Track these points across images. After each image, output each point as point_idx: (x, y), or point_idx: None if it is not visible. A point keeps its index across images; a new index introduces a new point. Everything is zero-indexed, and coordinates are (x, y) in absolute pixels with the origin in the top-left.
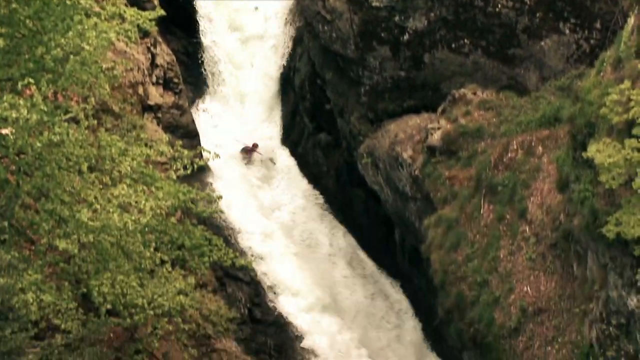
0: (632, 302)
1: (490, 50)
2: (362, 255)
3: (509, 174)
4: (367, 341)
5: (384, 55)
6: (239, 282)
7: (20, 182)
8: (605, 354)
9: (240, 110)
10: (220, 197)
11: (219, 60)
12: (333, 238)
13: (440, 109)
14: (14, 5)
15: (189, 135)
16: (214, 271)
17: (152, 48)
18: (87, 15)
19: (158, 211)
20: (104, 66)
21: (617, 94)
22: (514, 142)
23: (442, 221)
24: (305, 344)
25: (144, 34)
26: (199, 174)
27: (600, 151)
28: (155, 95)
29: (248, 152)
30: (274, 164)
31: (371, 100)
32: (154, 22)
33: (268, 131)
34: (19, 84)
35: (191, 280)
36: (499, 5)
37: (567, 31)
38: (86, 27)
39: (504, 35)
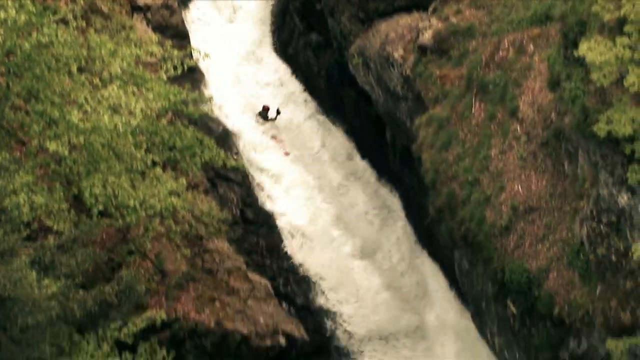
0: (622, 199)
1: None
2: (354, 155)
3: (500, 73)
4: (359, 240)
5: None
6: (230, 183)
7: (10, 84)
8: (596, 251)
9: (230, 13)
10: (211, 98)
11: None
12: (324, 138)
13: (431, 8)
14: None
15: (179, 36)
16: (205, 172)
17: None
18: None
19: (149, 112)
20: None
21: None
22: (505, 40)
23: (433, 120)
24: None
25: None
26: (189, 74)
27: (591, 49)
28: None
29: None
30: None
31: None
32: None
33: (258, 34)
34: None
35: (182, 181)
36: None
37: None
38: None
39: None
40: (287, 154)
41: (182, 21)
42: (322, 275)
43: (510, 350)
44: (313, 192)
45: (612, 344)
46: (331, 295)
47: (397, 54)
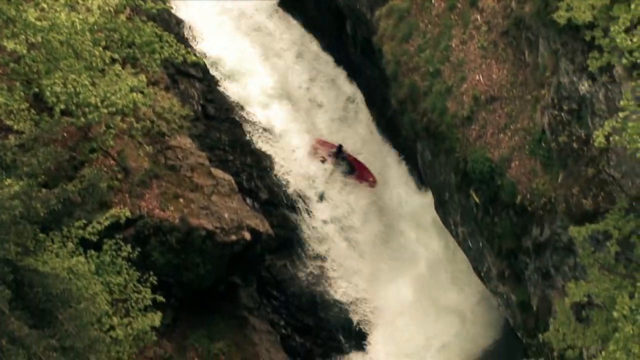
0: (583, 87)
1: None
2: (314, 48)
3: None
4: (319, 130)
5: None
6: (191, 79)
7: None
8: (557, 139)
9: None
10: None
11: None
12: (283, 30)
13: None
14: None
15: None
16: (165, 69)
17: None
18: None
19: (106, 9)
20: None
21: None
22: None
23: (393, 12)
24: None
25: None
26: None
27: None
28: None
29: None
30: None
31: None
32: None
33: None
34: None
35: (143, 77)
36: None
37: None
38: None
39: None
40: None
41: None
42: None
43: (473, 239)
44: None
45: (574, 230)
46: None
47: None
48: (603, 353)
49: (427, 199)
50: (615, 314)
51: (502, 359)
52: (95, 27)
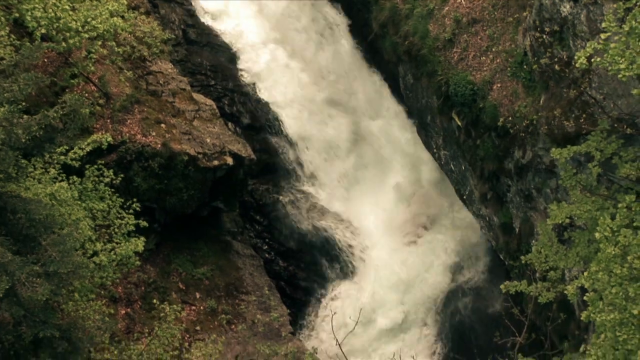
0: (564, 8)
1: None
2: None
3: None
4: (303, 56)
5: None
6: (172, 3)
7: None
8: (539, 61)
9: None
10: None
11: None
12: None
13: None
14: None
15: None
16: None
17: None
18: None
19: None
20: None
21: None
22: None
23: None
24: (241, 65)
25: None
26: None
27: None
28: None
29: None
30: None
31: None
32: None
33: None
34: None
35: (123, 1)
36: None
37: None
38: None
39: None
40: None
41: None
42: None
43: (456, 162)
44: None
45: (556, 152)
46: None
47: None
48: (585, 274)
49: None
50: (597, 235)
51: (485, 283)
52: None
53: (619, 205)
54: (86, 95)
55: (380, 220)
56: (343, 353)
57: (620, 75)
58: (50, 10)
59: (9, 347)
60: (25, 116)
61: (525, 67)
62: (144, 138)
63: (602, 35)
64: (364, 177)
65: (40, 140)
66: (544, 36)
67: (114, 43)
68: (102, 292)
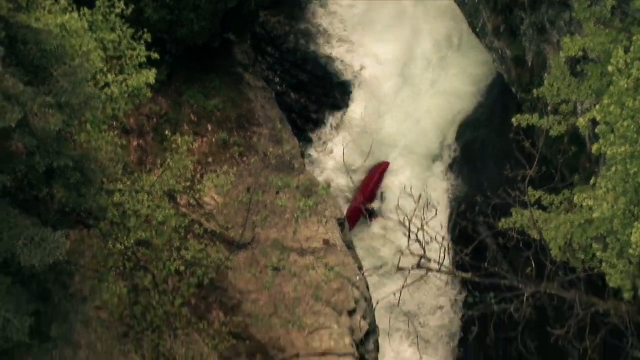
0: None
1: None
2: None
3: None
4: None
5: None
6: None
7: None
8: None
9: None
10: None
11: None
12: None
13: None
14: None
15: None
16: None
17: None
18: None
19: None
20: None
21: None
22: None
23: None
24: None
25: None
26: None
27: None
28: None
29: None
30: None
31: None
32: None
33: None
34: None
35: None
36: None
37: None
38: None
39: None
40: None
41: None
42: None
43: None
44: None
45: None
46: None
47: None
48: (597, 107)
49: None
50: (610, 68)
51: (495, 116)
52: None
53: (633, 38)
54: None
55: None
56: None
57: None
58: None
59: (23, 178)
60: None
61: None
62: None
63: None
64: (382, 10)
65: None
66: None
67: None
68: (114, 123)
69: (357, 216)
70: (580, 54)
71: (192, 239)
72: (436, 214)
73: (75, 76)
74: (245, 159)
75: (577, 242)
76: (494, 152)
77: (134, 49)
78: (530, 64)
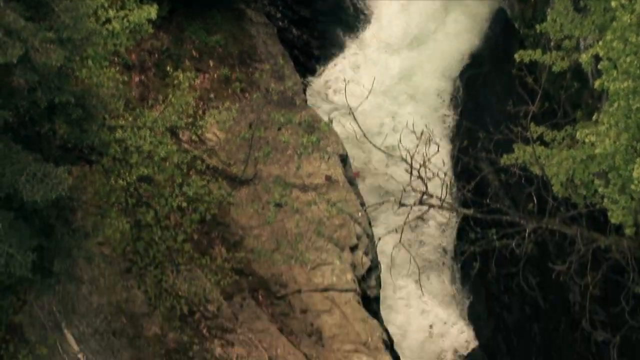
0: None
1: None
2: None
3: None
4: None
5: None
6: None
7: None
8: None
9: None
10: None
11: None
12: None
13: None
14: None
15: None
16: None
17: None
18: None
19: None
20: None
21: None
22: None
23: None
24: None
25: None
26: None
27: None
28: None
29: None
30: None
31: None
32: None
33: None
34: None
35: None
36: None
37: None
38: None
39: None
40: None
41: None
42: None
43: None
44: None
45: None
46: None
47: None
48: (600, 42)
49: None
50: (613, 3)
51: (498, 52)
52: None
53: None
54: None
55: None
56: (355, 120)
57: None
58: None
59: (24, 113)
60: None
61: None
62: None
63: None
64: None
65: None
66: None
67: None
68: (116, 59)
69: None
70: None
71: (194, 175)
72: (438, 149)
73: (76, 11)
74: (247, 94)
75: (579, 178)
76: (497, 88)
77: None
78: None
